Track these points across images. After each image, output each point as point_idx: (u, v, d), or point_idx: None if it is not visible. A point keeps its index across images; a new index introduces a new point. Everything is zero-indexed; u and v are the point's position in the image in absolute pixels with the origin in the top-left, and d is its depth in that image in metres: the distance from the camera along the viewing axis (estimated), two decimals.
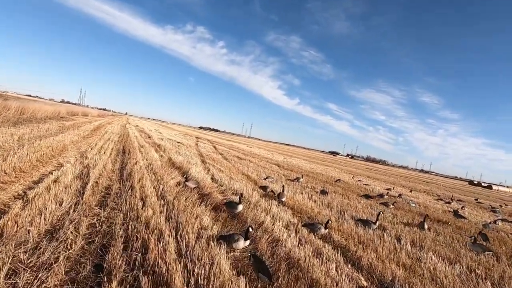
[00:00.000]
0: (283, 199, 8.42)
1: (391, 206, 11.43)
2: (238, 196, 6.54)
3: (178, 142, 25.12)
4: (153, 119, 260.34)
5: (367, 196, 12.92)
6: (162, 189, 6.82)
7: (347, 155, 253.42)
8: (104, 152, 10.92)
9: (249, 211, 6.52)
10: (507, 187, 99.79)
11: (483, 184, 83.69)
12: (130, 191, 6.33)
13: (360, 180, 21.56)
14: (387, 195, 13.95)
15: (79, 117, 34.70)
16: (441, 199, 18.76)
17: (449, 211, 13.29)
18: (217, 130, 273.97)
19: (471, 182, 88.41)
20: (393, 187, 19.37)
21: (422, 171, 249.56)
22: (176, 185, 7.72)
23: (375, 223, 7.24)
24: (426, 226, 8.43)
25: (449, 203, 17.01)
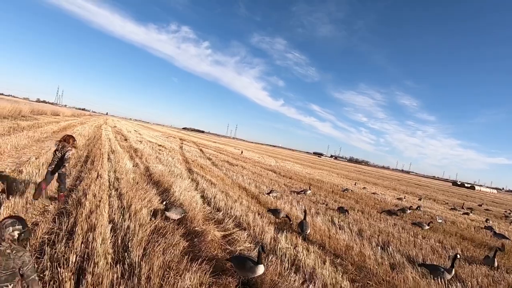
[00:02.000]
0: (307, 231, 5.93)
1: (427, 226, 9.24)
2: (258, 250, 3.74)
3: (160, 145, 22.16)
4: (135, 120, 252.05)
5: (389, 213, 10.70)
6: (126, 233, 4.16)
7: (331, 156, 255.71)
8: None
9: (268, 267, 3.98)
10: (488, 187, 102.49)
11: (466, 185, 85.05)
12: (64, 242, 3.63)
13: (364, 188, 19.49)
14: (409, 209, 11.83)
15: (46, 116, 30.82)
16: (455, 209, 17.00)
17: (481, 228, 11.33)
18: (201, 131, 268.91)
19: (454, 183, 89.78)
20: (404, 196, 17.42)
21: (402, 171, 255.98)
22: (151, 219, 5.07)
23: (449, 271, 4.90)
24: (496, 263, 6.23)
25: (467, 214, 15.18)
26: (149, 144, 21.25)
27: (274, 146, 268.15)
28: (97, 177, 7.18)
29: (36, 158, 8.17)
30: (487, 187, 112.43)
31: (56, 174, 5.44)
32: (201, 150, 27.30)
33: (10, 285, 2.07)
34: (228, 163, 19.27)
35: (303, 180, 17.55)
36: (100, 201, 5.18)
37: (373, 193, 16.93)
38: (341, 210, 9.53)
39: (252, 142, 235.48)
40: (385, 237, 7.22)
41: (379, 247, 6.18)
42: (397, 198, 16.52)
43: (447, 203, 20.80)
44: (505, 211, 22.88)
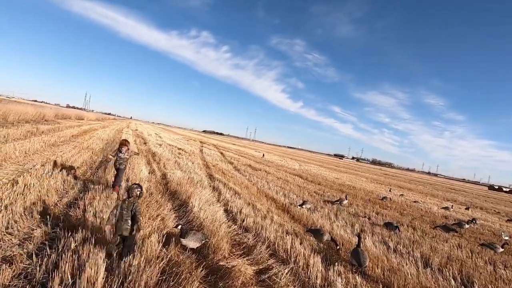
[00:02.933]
0: (366, 264, 4.49)
1: (500, 249, 7.45)
2: None
3: (180, 149, 21.34)
4: (158, 124, 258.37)
5: (446, 228, 8.93)
6: (126, 274, 2.96)
7: (353, 158, 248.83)
8: (61, 170, 7.12)
9: None
10: None
11: (504, 189, 78.52)
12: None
13: (402, 195, 17.53)
14: (467, 223, 9.98)
15: (70, 120, 31.16)
16: (511, 220, 14.70)
17: None
18: (221, 134, 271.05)
19: (491, 187, 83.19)
20: (452, 206, 15.32)
21: (429, 173, 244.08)
22: (163, 246, 3.87)
23: None
24: None
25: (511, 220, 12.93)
26: (168, 148, 20.48)
27: (293, 148, 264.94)
28: (102, 190, 6.13)
29: (42, 165, 7.29)
30: None
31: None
32: (221, 153, 26.30)
33: (129, 219, 3.48)
34: (251, 168, 18.02)
35: (333, 186, 15.94)
36: (101, 221, 4.05)
37: (415, 202, 15.01)
38: (390, 226, 7.95)
39: (271, 144, 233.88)
40: (460, 267, 5.61)
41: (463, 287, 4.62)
42: (443, 208, 14.50)
43: (499, 212, 18.33)
44: None
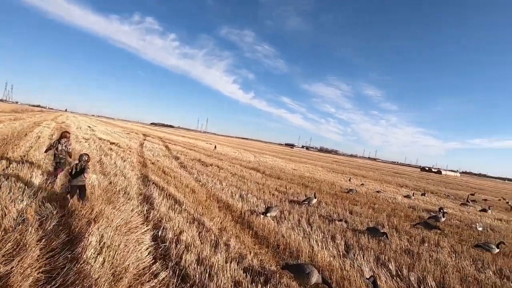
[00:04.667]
0: None
1: (496, 249, 6.37)
2: None
3: (113, 143, 17.70)
4: (98, 116, 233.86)
5: (427, 225, 7.77)
6: None
7: (302, 147, 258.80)
8: None
9: None
10: (451, 171, 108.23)
11: (433, 170, 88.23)
12: None
13: (362, 184, 16.77)
14: (443, 216, 9.05)
15: None
16: (465, 204, 14.82)
17: None
18: (171, 126, 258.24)
19: (423, 169, 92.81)
20: (413, 194, 14.88)
21: (369, 158, 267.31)
22: None
23: None
24: None
25: (484, 210, 12.92)
26: (97, 143, 16.73)
27: (246, 139, 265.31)
28: None
29: None
30: (450, 170, 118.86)
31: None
32: (167, 147, 23.07)
33: (81, 175, 5.11)
34: (201, 163, 15.47)
35: (294, 179, 14.33)
36: None
37: (377, 192, 14.17)
38: (375, 232, 6.37)
39: (223, 136, 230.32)
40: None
41: None
42: (405, 196, 13.92)
43: (448, 195, 18.85)
44: (501, 199, 21.51)
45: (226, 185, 10.04)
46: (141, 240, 4.11)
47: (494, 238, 7.89)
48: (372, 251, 5.29)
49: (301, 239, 5.39)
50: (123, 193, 6.51)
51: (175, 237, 4.45)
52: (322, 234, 5.99)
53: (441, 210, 11.11)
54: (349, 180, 18.38)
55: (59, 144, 6.62)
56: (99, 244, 3.51)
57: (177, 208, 6.09)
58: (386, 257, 5.07)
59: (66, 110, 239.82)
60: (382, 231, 6.37)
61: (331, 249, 5.15)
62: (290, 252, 4.72)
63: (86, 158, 5.52)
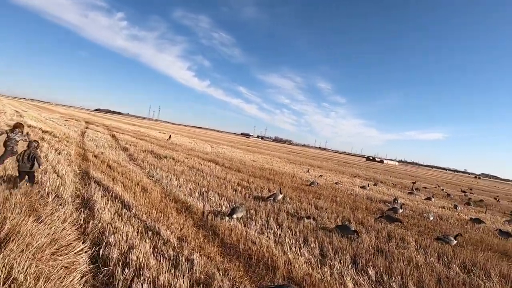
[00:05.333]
0: None
1: (454, 241, 6.59)
2: None
3: (46, 132, 15.18)
4: (32, 100, 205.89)
5: (390, 219, 7.84)
6: None
7: (258, 137, 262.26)
8: None
9: None
10: (391, 160, 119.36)
11: (376, 159, 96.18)
12: None
13: (321, 175, 16.99)
14: (400, 207, 9.33)
15: None
16: (412, 192, 15.95)
17: (469, 222, 9.66)
18: (119, 113, 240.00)
19: (368, 158, 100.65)
20: (368, 184, 15.47)
21: (320, 148, 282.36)
22: None
23: None
24: None
25: (429, 199, 13.95)
26: (25, 131, 14.12)
27: (202, 128, 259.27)
28: None
29: None
30: (389, 159, 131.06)
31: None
32: (113, 136, 20.79)
33: (28, 162, 5.38)
34: (153, 155, 14.05)
35: (255, 172, 13.81)
36: None
37: (336, 183, 14.41)
38: (345, 230, 6.11)
39: (178, 124, 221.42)
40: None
41: None
42: (361, 187, 14.38)
43: (395, 184, 20.22)
44: (436, 186, 23.83)
45: (184, 181, 9.06)
46: (74, 266, 3.10)
47: (446, 228, 8.30)
48: (347, 253, 4.95)
49: (273, 245, 4.81)
50: (53, 196, 5.21)
51: (123, 257, 3.50)
52: (294, 236, 5.51)
53: (396, 201, 11.64)
54: (308, 171, 18.54)
55: (12, 133, 6.76)
56: (2, 283, 2.45)
57: (125, 214, 5.05)
58: (363, 260, 4.75)
59: None
60: (352, 229, 6.12)
61: (306, 254, 4.67)
62: (264, 264, 4.10)
63: (36, 145, 5.81)
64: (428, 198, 14.12)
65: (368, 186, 14.86)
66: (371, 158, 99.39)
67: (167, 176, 9.37)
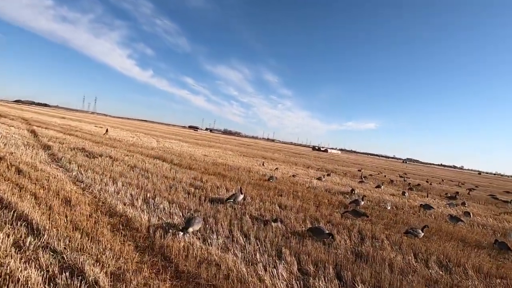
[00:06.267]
0: None
1: (421, 233, 6.45)
2: None
3: None
4: None
5: (356, 214, 7.47)
6: None
7: (206, 129, 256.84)
8: None
9: None
10: (333, 149, 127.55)
11: (322, 149, 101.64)
12: None
13: (277, 168, 16.45)
14: (362, 199, 9.15)
15: None
16: (362, 181, 16.47)
17: (419, 208, 10.02)
18: (45, 105, 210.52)
19: (314, 148, 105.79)
20: (323, 176, 15.37)
21: (268, 139, 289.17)
22: None
23: None
24: None
25: (379, 187, 14.47)
26: None
27: (146, 121, 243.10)
28: None
29: None
30: (331, 148, 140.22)
31: None
32: (33, 132, 17.27)
33: None
34: (85, 153, 11.77)
35: (208, 168, 12.57)
36: None
37: (293, 176, 14.00)
38: (319, 234, 5.42)
39: (118, 117, 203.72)
40: None
41: None
42: (318, 179, 14.23)
43: (345, 173, 20.88)
44: (379, 173, 25.61)
45: (123, 184, 7.44)
46: None
47: (406, 218, 8.28)
48: (328, 265, 4.20)
49: (243, 266, 3.81)
50: None
51: None
52: (265, 249, 4.59)
53: (354, 192, 11.60)
54: (263, 164, 17.90)
55: None
56: None
57: (30, 245, 3.50)
58: (349, 273, 4.05)
59: None
60: (326, 232, 5.46)
61: (285, 274, 3.78)
62: None
63: None
64: (378, 186, 14.63)
65: (324, 177, 14.79)
66: (316, 148, 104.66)
67: (101, 180, 7.61)
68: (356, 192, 11.49)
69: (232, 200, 7.15)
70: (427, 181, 24.34)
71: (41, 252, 3.38)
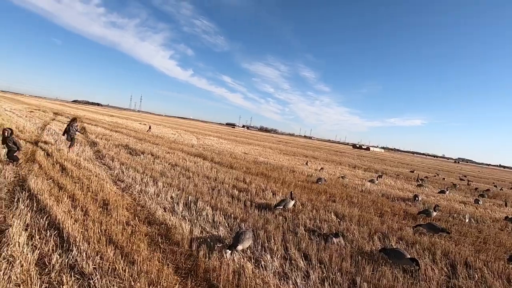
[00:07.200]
0: None
1: (434, 213, 4.97)
2: None
3: None
4: (2, 91, 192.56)
5: (433, 229, 6.07)
6: None
7: (243, 126, 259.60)
8: None
9: None
10: (376, 147, 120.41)
11: (363, 147, 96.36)
12: None
13: (322, 169, 15.18)
14: (434, 209, 7.64)
15: None
16: (421, 185, 14.46)
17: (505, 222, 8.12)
18: (98, 104, 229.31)
19: (354, 146, 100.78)
20: (377, 178, 13.78)
21: (305, 137, 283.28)
22: None
23: None
24: None
25: (443, 192, 12.48)
26: None
27: (186, 118, 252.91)
28: None
29: None
30: (372, 146, 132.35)
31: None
32: (83, 129, 18.05)
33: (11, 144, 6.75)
34: (128, 150, 11.72)
35: (250, 167, 11.79)
36: None
37: (342, 177, 12.64)
38: (396, 258, 4.25)
39: (160, 115, 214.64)
40: None
41: None
42: (370, 181, 12.70)
43: (398, 175, 18.82)
44: (435, 175, 22.69)
45: (164, 185, 6.92)
46: None
47: (494, 234, 6.63)
48: None
49: None
50: None
51: None
52: (333, 277, 3.59)
53: (417, 198, 9.98)
54: (306, 163, 16.72)
55: (72, 127, 10.07)
56: None
57: (55, 265, 2.91)
58: None
59: None
60: (407, 256, 4.27)
61: None
62: None
63: (10, 131, 7.09)
64: (442, 191, 12.64)
65: (377, 179, 13.18)
66: (357, 145, 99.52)
67: (141, 179, 7.19)
68: (420, 199, 9.85)
69: (281, 207, 6.23)
70: (495, 186, 21.08)
71: (67, 275, 2.77)
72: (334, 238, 4.95)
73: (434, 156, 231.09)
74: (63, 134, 10.20)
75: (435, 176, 22.95)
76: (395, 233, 5.81)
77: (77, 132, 10.39)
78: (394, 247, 4.77)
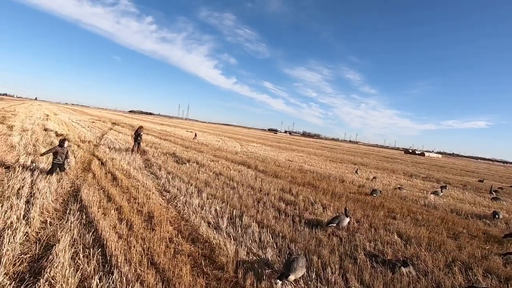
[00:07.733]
0: None
1: (441, 192, 4.32)
2: None
3: (60, 135, 13.72)
4: (73, 105, 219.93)
5: None
6: None
7: (285, 132, 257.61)
8: None
9: None
10: (432, 152, 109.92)
11: (417, 152, 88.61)
12: None
13: (375, 178, 13.87)
14: (501, 220, 6.28)
15: None
16: (496, 198, 12.30)
17: None
18: (150, 114, 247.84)
19: (406, 151, 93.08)
20: (441, 189, 12.04)
21: (350, 141, 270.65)
22: None
23: None
24: None
25: (496, 199, 10.36)
26: (36, 135, 12.73)
27: (229, 125, 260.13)
28: None
29: None
30: (427, 151, 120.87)
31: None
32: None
33: (63, 156, 6.92)
34: (174, 158, 11.96)
35: (295, 176, 11.17)
36: None
37: (399, 188, 11.29)
38: None
39: (206, 122, 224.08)
40: None
41: None
42: (433, 193, 11.13)
43: (465, 185, 16.48)
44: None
45: (208, 197, 6.70)
46: None
47: None
48: None
49: None
50: None
51: None
52: None
53: (498, 216, 8.39)
54: (356, 172, 15.50)
55: (139, 134, 12.47)
56: None
57: None
58: None
59: (36, 99, 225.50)
60: None
61: None
62: None
63: (66, 144, 7.23)
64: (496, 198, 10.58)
65: (441, 191, 11.52)
66: (410, 151, 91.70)
67: (186, 189, 7.08)
68: (500, 216, 8.25)
69: (334, 225, 5.55)
70: None
71: None
72: (403, 268, 4.15)
73: (503, 162, 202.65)
74: (134, 141, 12.45)
75: (507, 185, 19.71)
76: (480, 263, 4.74)
77: (139, 138, 12.47)
78: (485, 286, 3.81)
